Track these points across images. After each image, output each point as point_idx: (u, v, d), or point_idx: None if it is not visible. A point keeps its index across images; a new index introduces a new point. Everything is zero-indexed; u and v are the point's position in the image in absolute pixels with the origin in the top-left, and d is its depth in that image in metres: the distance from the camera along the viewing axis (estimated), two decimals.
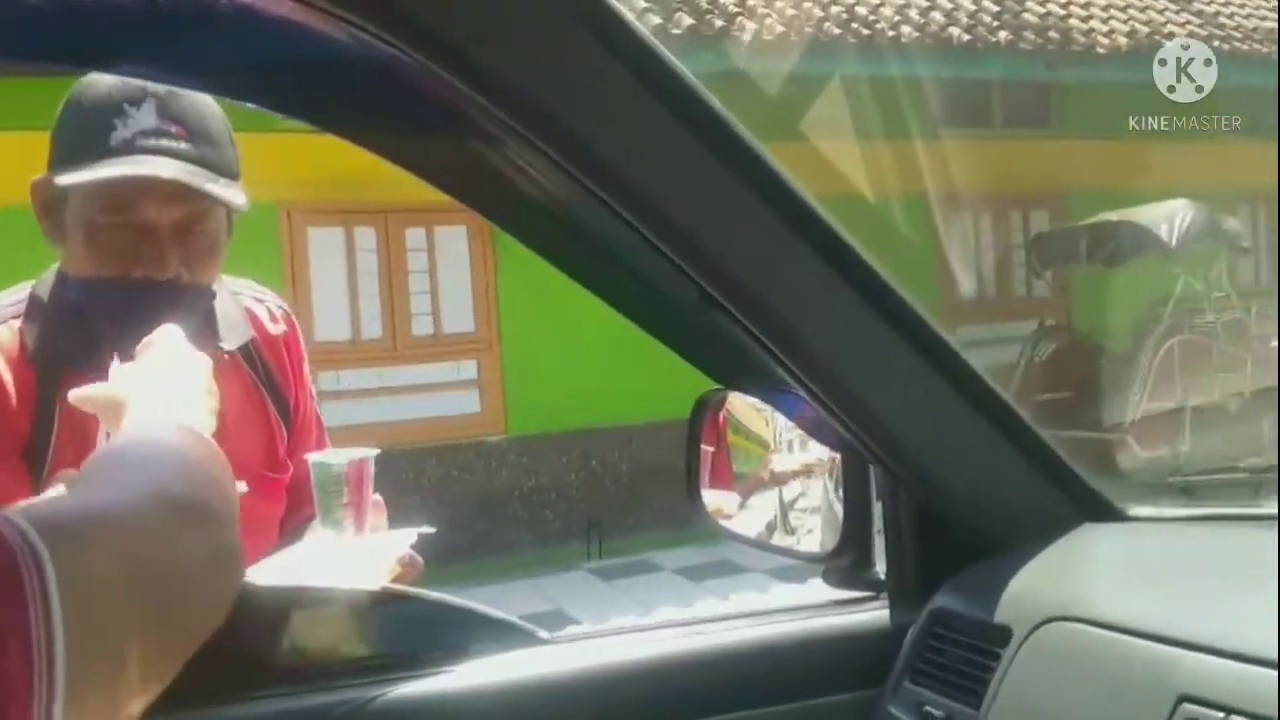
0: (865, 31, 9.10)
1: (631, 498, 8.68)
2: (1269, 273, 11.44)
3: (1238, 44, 10.33)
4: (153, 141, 1.40)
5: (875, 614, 1.29)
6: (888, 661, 1.23)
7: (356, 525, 1.39)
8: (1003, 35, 9.58)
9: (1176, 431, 8.26)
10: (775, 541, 1.43)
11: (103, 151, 1.38)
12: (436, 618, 1.21)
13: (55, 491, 1.02)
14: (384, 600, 1.23)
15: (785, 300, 1.06)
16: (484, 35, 0.88)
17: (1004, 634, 1.09)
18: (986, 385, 1.15)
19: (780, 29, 8.77)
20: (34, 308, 1.49)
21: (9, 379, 1.43)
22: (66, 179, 1.39)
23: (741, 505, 1.44)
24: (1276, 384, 8.31)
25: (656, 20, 8.17)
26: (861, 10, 9.28)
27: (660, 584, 7.71)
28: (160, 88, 1.41)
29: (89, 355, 1.41)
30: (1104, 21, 10.21)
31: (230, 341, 1.56)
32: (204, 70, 1.07)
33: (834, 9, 9.15)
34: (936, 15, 9.58)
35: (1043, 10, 10.07)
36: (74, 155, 1.40)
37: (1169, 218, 8.74)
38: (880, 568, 1.29)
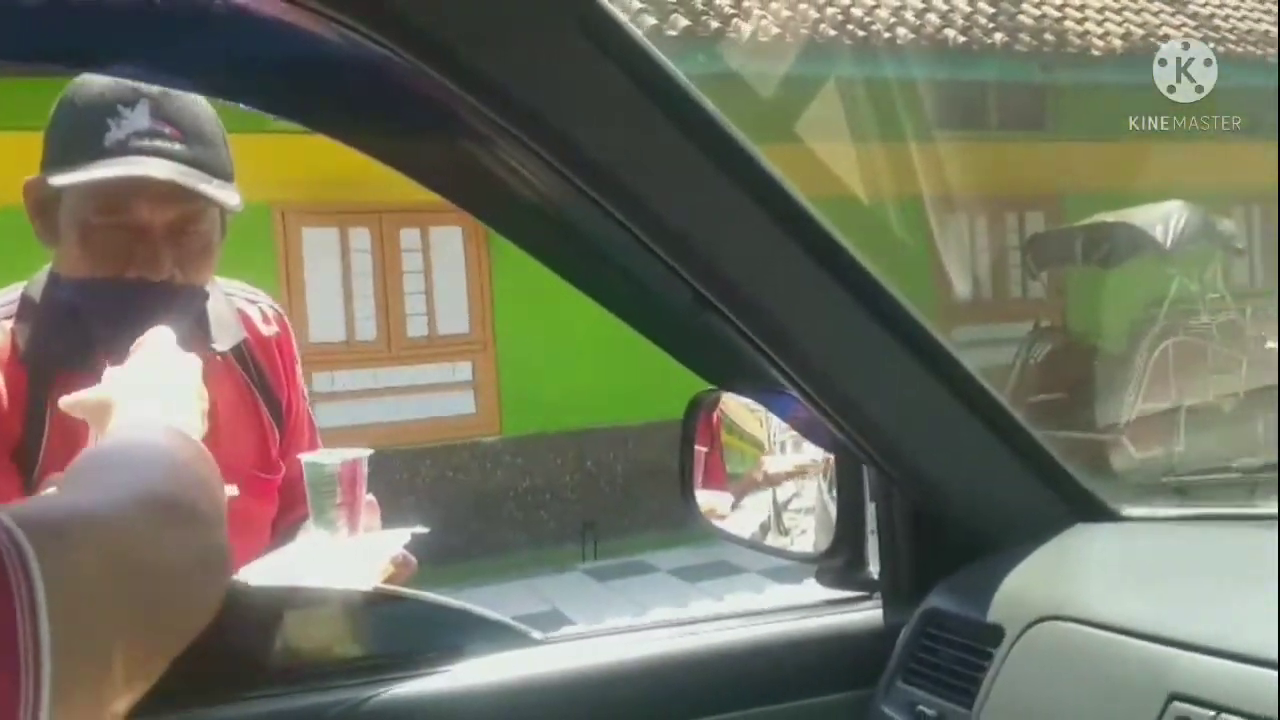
0: (861, 33, 9.11)
1: (627, 498, 8.68)
2: (1264, 274, 11.47)
3: (1232, 46, 10.35)
4: (146, 142, 1.40)
5: (868, 614, 1.29)
6: (881, 661, 1.23)
7: (350, 525, 1.39)
8: (998, 37, 9.60)
9: (1171, 432, 8.27)
10: (769, 542, 1.43)
11: (96, 152, 1.38)
12: (430, 618, 1.21)
13: (45, 494, 1.02)
14: (377, 601, 1.23)
15: (778, 301, 1.06)
16: (476, 36, 0.88)
17: (996, 633, 1.09)
18: (979, 386, 1.15)
19: (776, 30, 8.77)
20: (26, 308, 1.48)
21: (0, 380, 1.43)
22: (60, 179, 1.38)
23: (735, 506, 1.44)
24: (1276, 385, 8.30)
25: (651, 21, 8.18)
26: (857, 12, 9.29)
27: (655, 585, 7.71)
28: (154, 89, 1.41)
29: (81, 356, 1.41)
30: (1099, 24, 10.22)
31: (223, 342, 1.55)
32: (197, 71, 1.07)
33: (829, 10, 9.16)
34: (932, 17, 9.60)
35: (1038, 12, 10.08)
36: (67, 155, 1.40)
37: (1164, 219, 8.75)
38: (874, 568, 1.29)
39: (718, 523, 1.43)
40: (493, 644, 1.18)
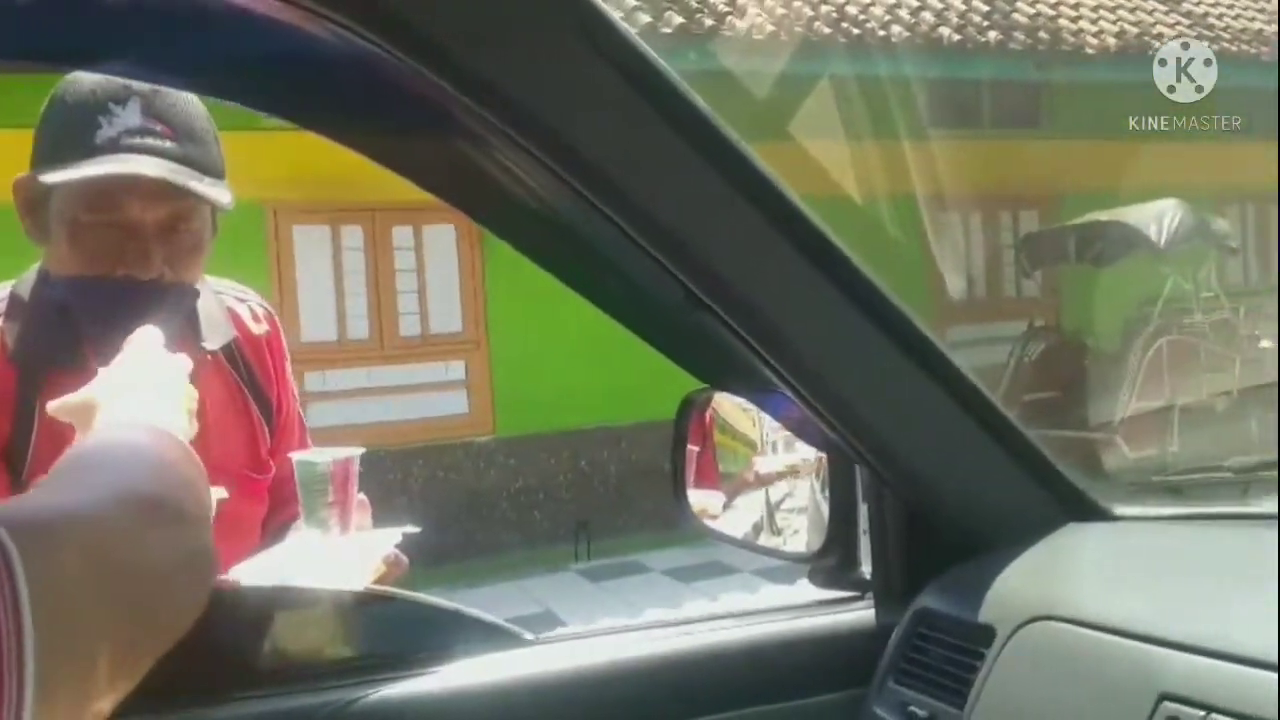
0: (855, 31, 9.11)
1: (620, 499, 8.68)
2: (1257, 273, 11.49)
3: (1226, 45, 10.37)
4: (138, 140, 1.39)
5: (861, 614, 1.29)
6: (873, 661, 1.23)
7: (341, 524, 1.39)
8: (992, 35, 9.61)
9: (1165, 431, 8.29)
10: (762, 542, 1.43)
11: (87, 150, 1.38)
12: (421, 619, 1.21)
13: (29, 493, 1.01)
14: (368, 601, 1.23)
15: (771, 300, 1.06)
16: (468, 35, 0.88)
17: (988, 633, 1.09)
18: (972, 385, 1.15)
19: (770, 28, 8.78)
20: (14, 307, 1.48)
21: None
22: (51, 177, 1.38)
23: (727, 505, 1.44)
24: (1276, 383, 8.32)
25: (646, 19, 8.18)
26: (852, 10, 9.30)
27: (649, 585, 7.71)
28: (145, 86, 1.41)
29: (71, 355, 1.41)
30: (1093, 22, 10.24)
31: (212, 341, 1.55)
32: (189, 69, 1.06)
33: (824, 8, 9.17)
34: (927, 15, 9.61)
35: (1032, 10, 10.10)
36: (58, 153, 1.39)
37: (1158, 218, 8.76)
38: (866, 568, 1.29)
39: (710, 523, 1.43)
40: (484, 645, 1.17)
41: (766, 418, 1.36)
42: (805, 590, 1.34)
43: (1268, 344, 9.24)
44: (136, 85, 1.40)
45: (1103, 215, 9.18)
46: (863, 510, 1.27)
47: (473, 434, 8.73)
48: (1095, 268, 9.40)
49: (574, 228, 1.10)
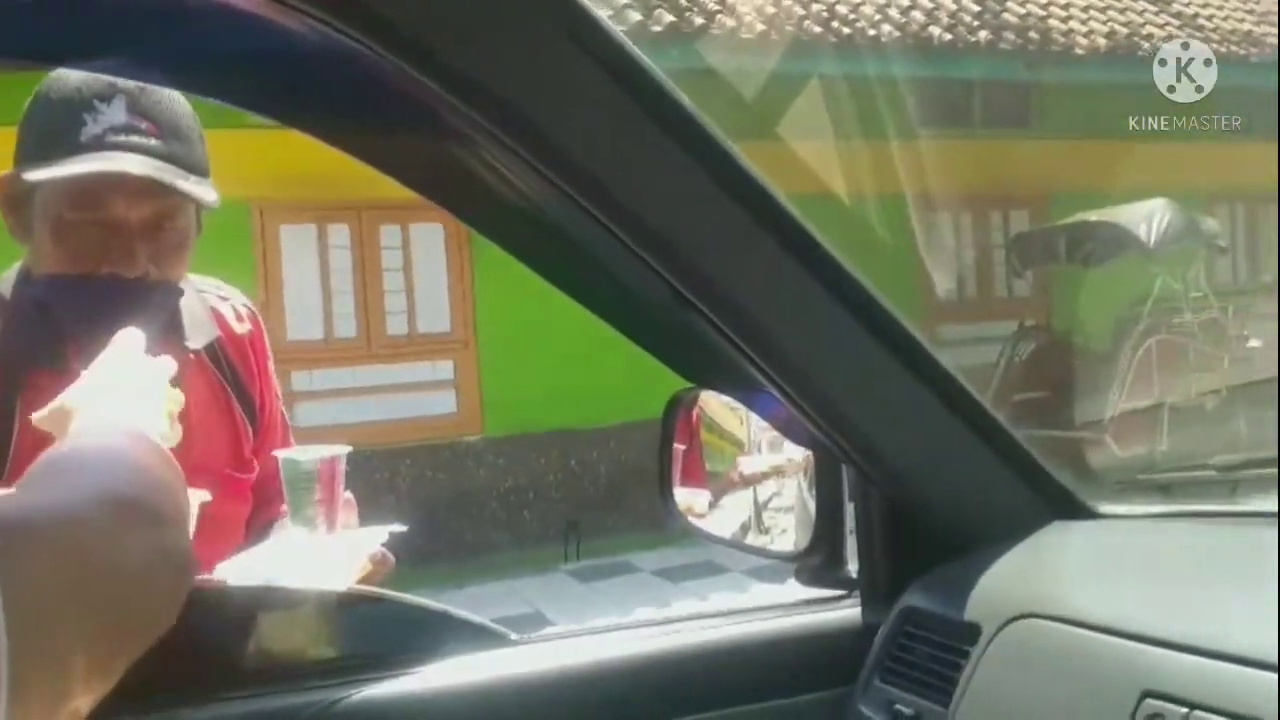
0: (845, 30, 9.12)
1: (610, 498, 8.67)
2: (1245, 272, 11.53)
3: (1216, 46, 10.38)
4: (123, 138, 1.39)
5: (847, 612, 1.29)
6: (859, 660, 1.24)
7: (328, 523, 1.39)
8: (983, 35, 9.62)
9: (1154, 430, 8.31)
10: (749, 541, 1.43)
11: (72, 147, 1.37)
12: (407, 620, 1.21)
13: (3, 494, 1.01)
14: (353, 601, 1.23)
15: (757, 299, 1.06)
16: (455, 34, 0.88)
17: (973, 631, 1.10)
18: (957, 384, 1.16)
19: (760, 27, 8.78)
20: None
21: None
22: (35, 174, 1.38)
23: (714, 504, 1.44)
24: (1266, 382, 8.33)
25: (636, 16, 8.18)
26: (842, 9, 9.30)
27: (639, 585, 7.70)
28: (130, 84, 1.40)
29: (53, 354, 1.40)
30: (1083, 22, 10.26)
31: (196, 340, 1.55)
32: (175, 66, 1.06)
33: (814, 7, 9.17)
34: (917, 15, 9.62)
35: (1022, 10, 10.11)
36: (42, 150, 1.39)
37: (1147, 218, 8.78)
38: (852, 566, 1.29)
39: (697, 521, 1.43)
40: (469, 645, 1.17)
41: (753, 416, 1.36)
42: (795, 590, 1.34)
43: (1256, 343, 9.27)
44: (122, 83, 1.39)
45: (1092, 215, 9.19)
46: (849, 509, 1.27)
47: (461, 434, 8.72)
48: (1085, 267, 9.41)
49: (560, 227, 1.10)
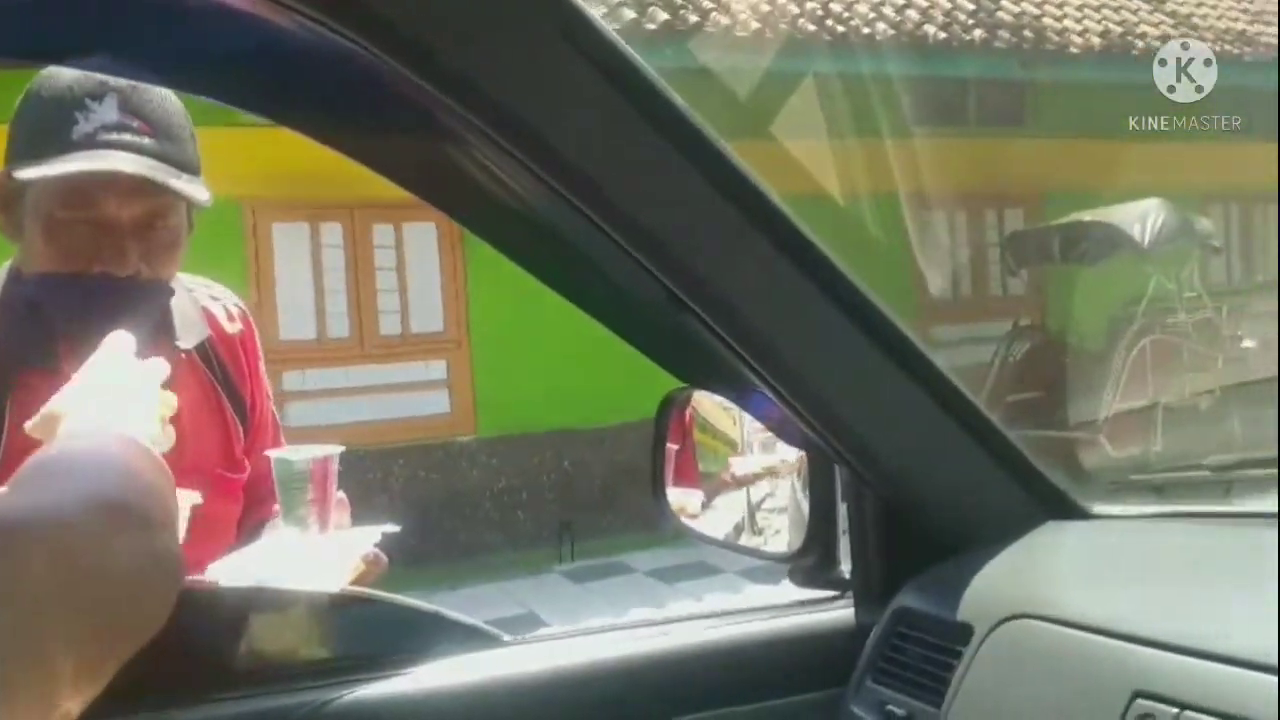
0: (840, 29, 9.12)
1: (604, 499, 8.65)
2: (1240, 272, 11.55)
3: (1210, 45, 10.40)
4: (115, 136, 1.38)
5: (840, 613, 1.29)
6: (852, 660, 1.24)
7: (320, 523, 1.38)
8: (977, 34, 9.63)
9: (1148, 430, 8.32)
10: (742, 541, 1.43)
11: (64, 146, 1.37)
12: (397, 620, 1.21)
13: None
14: (345, 602, 1.23)
15: (750, 300, 1.06)
16: (449, 34, 0.88)
17: (965, 632, 1.09)
18: (951, 384, 1.15)
19: (755, 25, 8.78)
20: None
21: None
22: (26, 173, 1.37)
23: (707, 505, 1.44)
24: (1263, 381, 8.35)
25: (631, 15, 8.18)
26: (836, 7, 9.31)
27: (633, 586, 7.70)
28: (122, 82, 1.40)
29: (44, 353, 1.40)
30: (1078, 21, 10.27)
31: (187, 340, 1.54)
32: (166, 65, 1.06)
33: (809, 5, 9.17)
34: (911, 13, 9.62)
35: (1017, 9, 10.12)
36: (33, 149, 1.38)
37: (1142, 218, 8.79)
38: (846, 567, 1.29)
39: (690, 522, 1.43)
40: (461, 646, 1.17)
41: (747, 417, 1.35)
42: (789, 590, 1.34)
43: (1250, 343, 9.29)
44: (113, 81, 1.39)
45: (1087, 215, 9.20)
46: (842, 510, 1.27)
47: (454, 434, 8.70)
48: (1080, 267, 9.42)
49: (553, 227, 1.10)
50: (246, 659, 1.15)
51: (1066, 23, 10.22)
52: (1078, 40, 10.01)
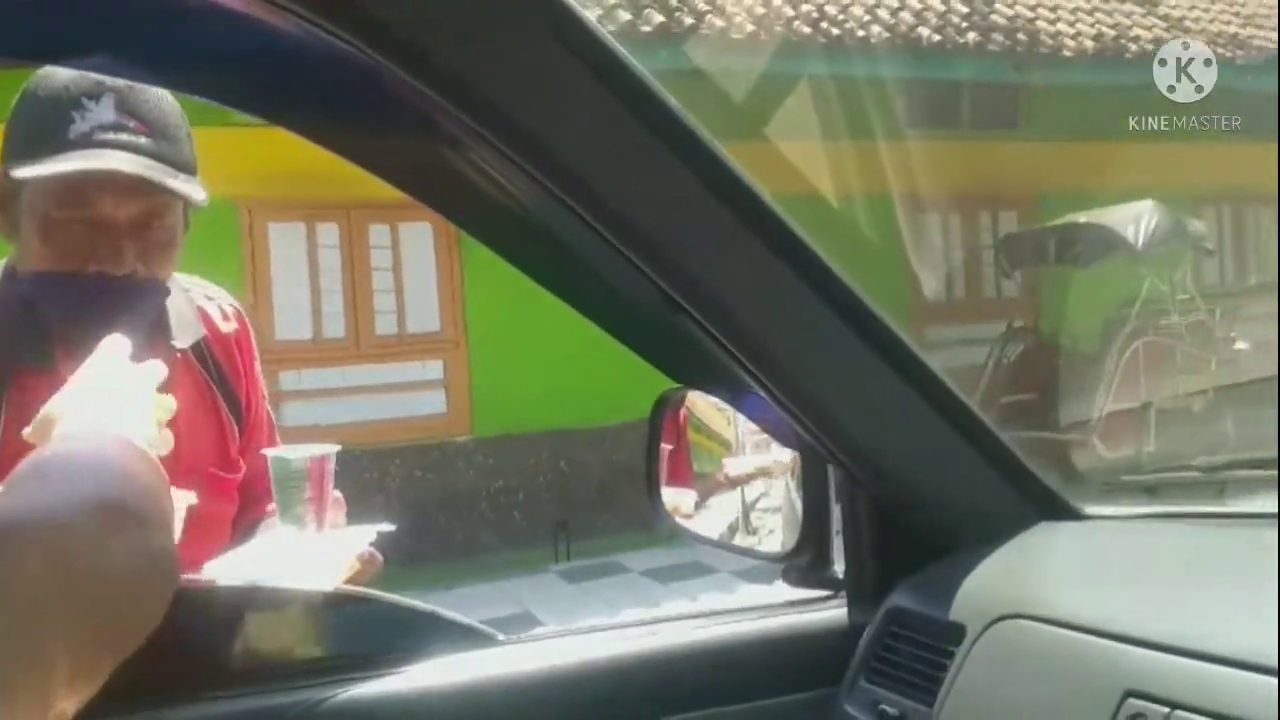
0: (835, 31, 9.12)
1: (600, 499, 8.65)
2: (1233, 274, 11.57)
3: None
4: (111, 136, 1.39)
5: (833, 613, 1.30)
6: (845, 660, 1.24)
7: (317, 521, 1.39)
8: (971, 36, 9.63)
9: (1141, 432, 8.33)
10: (736, 541, 1.43)
11: (60, 145, 1.37)
12: (395, 621, 1.21)
13: None
14: (340, 601, 1.23)
15: (744, 301, 1.06)
16: (443, 35, 0.88)
17: (958, 632, 1.10)
18: (944, 385, 1.16)
19: (750, 27, 8.78)
20: None
21: None
22: (23, 172, 1.37)
23: (701, 505, 1.44)
24: (1261, 382, 8.36)
25: (626, 16, 8.18)
26: (831, 9, 9.31)
27: (628, 586, 7.70)
28: (119, 82, 1.40)
29: (39, 353, 1.40)
30: (1071, 24, 10.29)
31: (182, 340, 1.54)
32: (163, 65, 1.06)
33: (804, 8, 9.18)
34: (906, 15, 9.63)
35: (1011, 12, 10.14)
36: (30, 148, 1.39)
37: (1135, 219, 8.79)
38: (839, 567, 1.29)
39: (684, 522, 1.43)
40: (456, 645, 1.17)
41: (741, 417, 1.36)
42: (782, 590, 1.34)
43: (1242, 345, 9.30)
44: (110, 81, 1.39)
45: (1081, 217, 9.21)
46: (836, 510, 1.27)
47: (450, 434, 8.69)
48: (1073, 269, 9.43)
49: (548, 228, 1.10)
50: (242, 658, 1.15)
51: (1060, 26, 10.23)
52: (1071, 43, 10.02)
